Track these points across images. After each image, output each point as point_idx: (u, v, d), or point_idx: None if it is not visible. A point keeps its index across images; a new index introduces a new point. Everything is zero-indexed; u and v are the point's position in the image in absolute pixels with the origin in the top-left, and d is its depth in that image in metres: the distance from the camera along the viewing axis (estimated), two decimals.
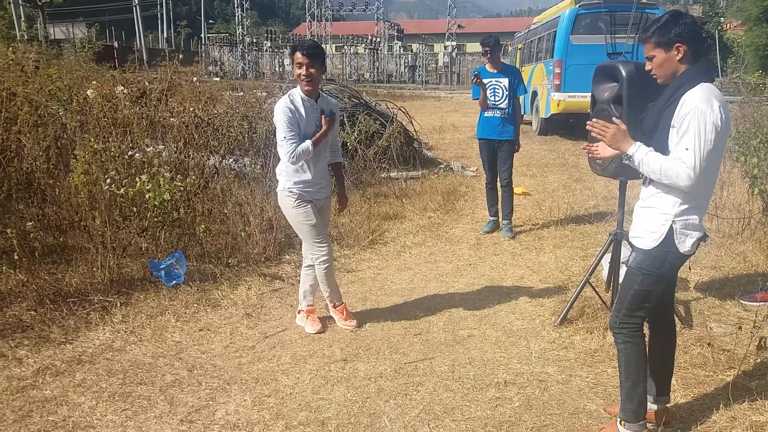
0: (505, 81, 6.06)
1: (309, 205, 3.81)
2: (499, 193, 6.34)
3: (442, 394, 3.26)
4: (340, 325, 4.11)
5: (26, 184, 5.63)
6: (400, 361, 3.62)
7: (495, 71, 6.12)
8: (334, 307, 4.16)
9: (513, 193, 6.40)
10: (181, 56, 7.16)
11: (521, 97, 6.32)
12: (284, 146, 3.64)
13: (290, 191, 3.79)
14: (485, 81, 6.03)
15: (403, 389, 3.31)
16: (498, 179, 6.34)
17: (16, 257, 4.20)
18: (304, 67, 3.59)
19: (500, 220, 6.41)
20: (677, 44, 2.48)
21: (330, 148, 4.02)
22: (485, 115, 6.17)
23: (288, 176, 3.79)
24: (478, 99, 6.14)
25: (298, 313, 4.19)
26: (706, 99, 2.39)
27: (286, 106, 3.62)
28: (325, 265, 3.94)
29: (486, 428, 2.96)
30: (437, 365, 3.58)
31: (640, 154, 2.52)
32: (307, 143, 3.65)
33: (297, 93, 3.72)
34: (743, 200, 6.30)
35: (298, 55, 3.58)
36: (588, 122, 2.73)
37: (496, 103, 6.09)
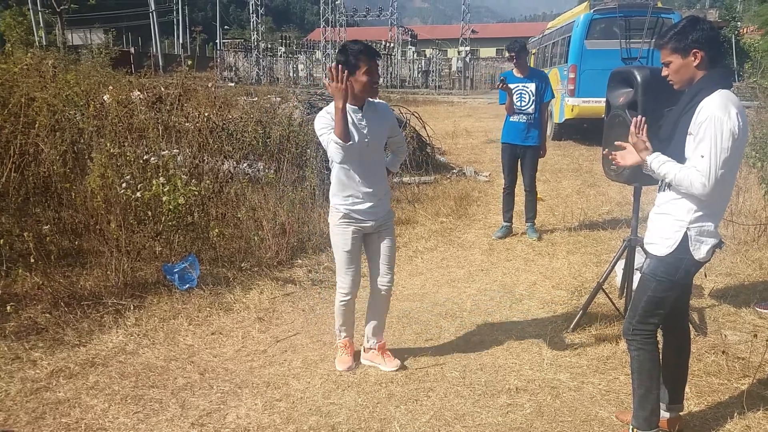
0: (531, 86, 6.03)
1: (350, 227, 3.38)
2: (523, 198, 6.34)
3: (453, 400, 3.25)
4: (337, 364, 3.64)
5: (43, 188, 5.70)
6: (411, 367, 3.62)
7: (522, 76, 6.09)
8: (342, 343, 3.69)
9: (536, 197, 6.40)
10: (190, 62, 7.20)
11: (550, 101, 6.28)
12: (329, 151, 3.24)
13: (334, 207, 3.42)
14: (512, 86, 6.00)
15: (413, 395, 3.30)
16: (520, 184, 6.35)
17: (32, 260, 4.25)
18: (376, 73, 3.25)
19: (524, 223, 6.45)
20: (694, 50, 2.47)
21: (391, 153, 3.67)
22: (511, 119, 6.15)
23: (333, 191, 3.44)
24: (504, 104, 6.12)
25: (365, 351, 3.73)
26: (724, 106, 2.37)
27: (321, 115, 3.30)
28: (342, 300, 3.54)
29: None
30: (448, 371, 3.57)
31: (657, 163, 2.52)
32: (333, 135, 3.15)
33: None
34: (759, 206, 6.23)
35: (368, 60, 3.18)
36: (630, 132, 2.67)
37: (523, 108, 6.06)
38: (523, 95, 6.05)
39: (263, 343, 3.94)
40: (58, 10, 32.41)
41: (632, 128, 2.63)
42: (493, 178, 9.49)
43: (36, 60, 7.84)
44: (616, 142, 2.71)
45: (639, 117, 2.64)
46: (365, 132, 3.31)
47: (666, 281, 2.59)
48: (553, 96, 6.30)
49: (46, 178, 5.67)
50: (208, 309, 4.38)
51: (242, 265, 5.10)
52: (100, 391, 3.30)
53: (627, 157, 2.73)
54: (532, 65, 6.31)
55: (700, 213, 2.49)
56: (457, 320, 4.33)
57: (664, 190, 2.62)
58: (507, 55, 6.21)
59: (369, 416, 3.10)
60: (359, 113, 3.31)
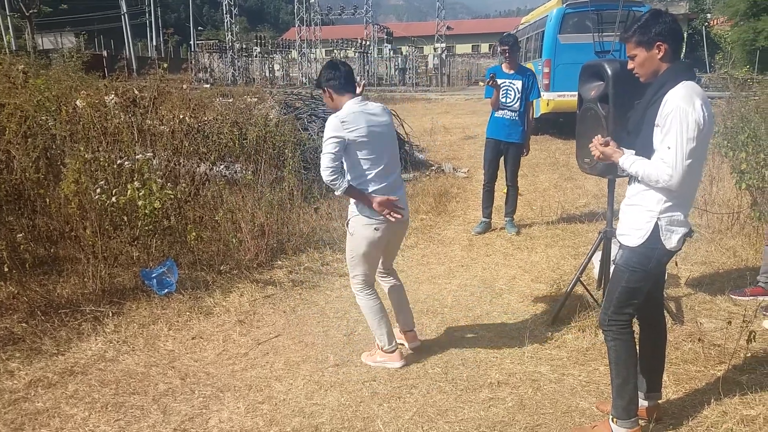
0: (518, 83, 6.05)
1: (382, 228, 3.35)
2: (502, 193, 6.39)
3: (436, 396, 3.27)
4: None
5: (16, 195, 5.60)
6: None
7: (511, 72, 6.11)
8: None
9: (518, 193, 6.45)
10: (165, 64, 7.12)
11: (535, 101, 6.31)
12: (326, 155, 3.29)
13: (367, 222, 3.32)
14: (499, 81, 6.01)
15: (396, 392, 3.32)
16: (499, 179, 6.40)
17: (6, 269, 4.18)
18: None
19: (503, 217, 6.51)
20: (658, 43, 2.51)
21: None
22: (495, 115, 6.17)
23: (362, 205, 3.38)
24: (490, 98, 6.15)
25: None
26: (688, 97, 2.42)
27: (334, 124, 3.25)
28: (376, 300, 3.61)
29: (479, 429, 2.97)
30: (430, 367, 3.59)
31: (628, 164, 2.59)
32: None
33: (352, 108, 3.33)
34: (732, 195, 6.34)
35: None
36: (590, 146, 2.75)
37: (508, 104, 6.08)
38: (509, 91, 6.07)
39: (244, 346, 3.92)
40: (27, 13, 31.84)
41: (595, 145, 2.69)
42: (472, 174, 9.54)
43: (5, 65, 7.71)
44: (590, 145, 2.75)
45: (597, 137, 2.72)
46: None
47: (639, 271, 2.63)
48: (539, 95, 6.33)
49: (18, 185, 5.58)
50: (187, 313, 4.35)
51: (221, 268, 5.07)
52: (80, 400, 3.27)
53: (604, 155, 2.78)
54: (502, 62, 6.33)
55: (670, 203, 2.53)
56: (438, 316, 4.35)
57: (634, 183, 2.67)
58: (500, 48, 6.22)
59: (352, 415, 3.10)
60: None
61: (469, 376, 3.48)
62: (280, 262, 5.37)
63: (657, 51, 2.52)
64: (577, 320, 4.10)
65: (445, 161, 10.51)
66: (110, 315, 4.24)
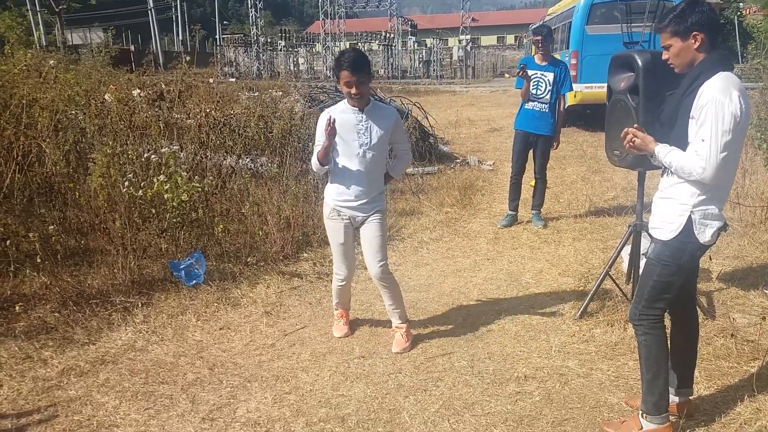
0: (550, 76, 5.98)
1: (341, 222, 3.58)
2: (527, 186, 6.32)
3: (462, 389, 3.25)
4: (334, 331, 3.98)
5: (47, 188, 5.72)
6: (419, 357, 3.63)
7: (543, 63, 6.05)
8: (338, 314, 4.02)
9: (546, 185, 6.39)
10: (188, 58, 7.19)
11: (568, 94, 6.23)
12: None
13: (326, 202, 3.64)
14: (530, 72, 5.94)
15: (422, 385, 3.31)
16: (530, 171, 6.35)
17: (39, 261, 4.27)
18: (354, 87, 3.30)
19: (530, 210, 6.47)
20: (694, 32, 2.45)
21: (394, 158, 3.76)
22: (525, 107, 6.11)
23: (327, 186, 3.64)
24: (520, 89, 6.09)
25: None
26: (725, 89, 2.36)
27: (323, 114, 3.47)
28: (338, 284, 3.85)
29: (506, 423, 2.95)
30: (456, 360, 3.58)
31: (663, 153, 2.53)
32: (313, 157, 3.49)
33: (343, 102, 3.51)
34: (766, 188, 6.20)
35: (346, 73, 3.28)
36: (623, 134, 2.68)
37: (538, 96, 6.01)
38: (540, 83, 6.00)
39: (271, 337, 3.95)
40: (56, 10, 32.39)
41: (630, 133, 2.62)
42: (497, 167, 9.47)
43: (36, 61, 7.84)
44: (623, 134, 2.68)
45: (625, 130, 2.65)
46: (364, 134, 3.43)
47: (671, 265, 2.58)
48: (571, 88, 6.23)
49: (49, 179, 5.69)
50: (215, 304, 4.40)
51: (248, 260, 5.11)
52: (111, 388, 3.32)
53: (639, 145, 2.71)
54: (533, 53, 6.27)
55: (704, 196, 2.48)
56: (464, 310, 4.33)
57: (667, 175, 2.61)
58: (533, 39, 6.18)
59: (378, 407, 3.11)
60: (360, 114, 3.43)
61: (495, 369, 3.45)
62: (305, 255, 5.40)
63: (693, 41, 2.46)
64: (606, 314, 4.05)
65: (470, 154, 10.45)
66: (139, 305, 4.30)
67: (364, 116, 3.43)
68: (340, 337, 3.91)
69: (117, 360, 3.64)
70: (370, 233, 3.59)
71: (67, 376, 3.44)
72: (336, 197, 3.56)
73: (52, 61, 8.04)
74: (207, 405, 3.16)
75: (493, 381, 3.33)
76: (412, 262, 5.38)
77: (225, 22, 66.70)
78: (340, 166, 3.49)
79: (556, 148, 6.38)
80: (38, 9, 35.86)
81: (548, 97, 5.99)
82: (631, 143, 2.63)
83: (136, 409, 3.13)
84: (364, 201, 3.54)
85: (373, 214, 3.58)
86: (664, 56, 2.59)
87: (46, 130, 5.71)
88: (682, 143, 2.49)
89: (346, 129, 3.42)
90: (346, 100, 3.48)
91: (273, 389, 3.30)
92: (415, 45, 45.69)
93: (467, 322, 4.12)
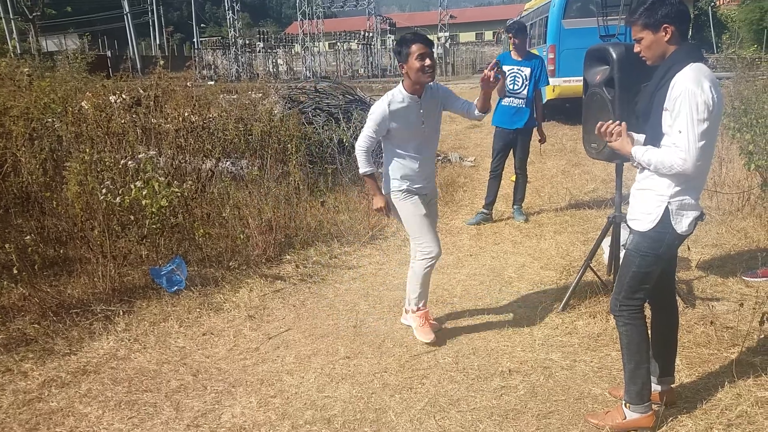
0: (526, 70, 5.99)
1: (417, 197, 3.67)
2: (505, 183, 6.37)
3: (447, 386, 3.26)
4: (417, 335, 3.81)
5: (24, 197, 5.64)
6: (404, 355, 3.63)
7: (519, 59, 6.06)
8: (415, 311, 3.85)
9: (527, 180, 6.42)
10: (162, 62, 7.10)
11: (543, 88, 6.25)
12: (360, 138, 3.62)
13: (394, 187, 3.67)
14: (506, 68, 5.91)
15: (407, 383, 3.31)
16: (510, 167, 6.39)
17: (16, 271, 4.20)
18: (428, 58, 3.39)
19: (511, 206, 6.51)
20: (665, 25, 2.48)
21: (467, 105, 3.76)
22: (502, 103, 6.10)
23: (394, 171, 3.67)
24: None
25: (406, 312, 3.99)
26: (696, 80, 2.38)
27: (379, 104, 3.55)
28: (429, 263, 3.71)
29: (492, 418, 2.96)
30: (441, 357, 3.59)
31: (638, 155, 2.55)
32: (363, 144, 3.58)
33: (398, 92, 3.54)
34: (742, 176, 6.29)
35: (420, 46, 3.38)
36: (603, 129, 2.69)
37: (515, 91, 6.02)
38: (516, 78, 6.01)
39: (255, 341, 3.93)
40: (30, 17, 31.93)
41: (608, 128, 2.63)
42: (479, 163, 9.50)
43: (10, 69, 7.73)
44: (603, 129, 2.69)
45: (608, 122, 2.65)
46: (422, 119, 3.58)
47: (650, 256, 2.61)
48: (548, 82, 6.27)
49: (26, 188, 5.61)
50: (198, 310, 4.36)
51: (230, 264, 5.07)
52: (94, 399, 3.28)
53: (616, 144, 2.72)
54: (510, 49, 6.28)
55: (680, 187, 2.50)
56: (448, 306, 4.34)
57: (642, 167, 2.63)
58: (505, 36, 6.21)
59: (364, 407, 3.10)
60: (418, 102, 3.55)
61: (480, 365, 3.47)
62: (288, 257, 5.37)
63: (664, 33, 2.48)
64: (588, 306, 4.08)
65: (451, 151, 10.47)
66: (121, 314, 4.25)
67: (422, 102, 3.56)
68: (428, 343, 3.71)
69: (99, 369, 3.60)
70: (433, 214, 3.88)
71: (48, 388, 3.39)
72: (410, 180, 3.65)
73: (26, 69, 7.95)
74: (191, 412, 3.13)
75: (478, 376, 3.35)
76: (396, 260, 5.37)
77: (203, 25, 66.19)
78: (408, 151, 3.62)
79: (543, 143, 6.42)
80: (11, 16, 35.32)
81: (525, 92, 6.01)
82: (609, 138, 2.64)
83: (119, 418, 3.10)
84: (426, 178, 3.74)
85: (433, 197, 3.87)
86: (636, 49, 2.61)
87: (22, 138, 5.63)
88: (657, 135, 2.52)
89: (411, 115, 3.54)
90: (399, 90, 3.54)
91: (258, 393, 3.28)
92: (394, 43, 45.76)
93: (451, 318, 4.14)
